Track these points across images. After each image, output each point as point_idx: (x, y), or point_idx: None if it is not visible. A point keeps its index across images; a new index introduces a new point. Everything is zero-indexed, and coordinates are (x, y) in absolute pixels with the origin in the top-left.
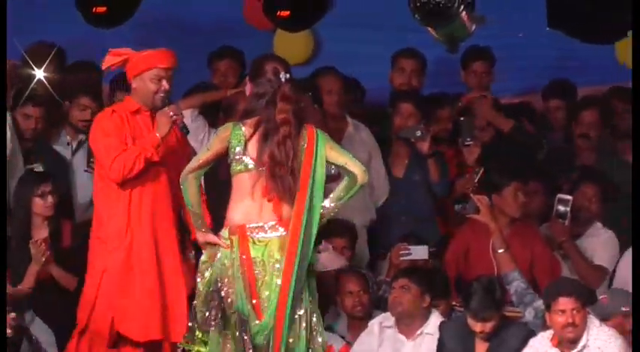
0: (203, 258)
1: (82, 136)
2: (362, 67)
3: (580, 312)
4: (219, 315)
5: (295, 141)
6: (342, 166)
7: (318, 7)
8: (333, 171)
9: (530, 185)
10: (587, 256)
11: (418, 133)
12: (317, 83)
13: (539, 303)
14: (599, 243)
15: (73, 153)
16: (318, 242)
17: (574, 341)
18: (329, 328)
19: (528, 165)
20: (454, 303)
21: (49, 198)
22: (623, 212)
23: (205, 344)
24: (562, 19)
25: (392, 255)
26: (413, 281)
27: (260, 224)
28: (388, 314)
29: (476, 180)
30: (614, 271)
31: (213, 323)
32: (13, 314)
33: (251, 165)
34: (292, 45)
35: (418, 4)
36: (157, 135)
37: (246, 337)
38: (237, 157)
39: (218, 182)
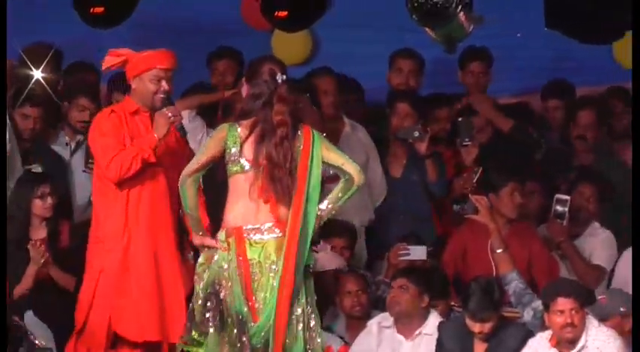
0: (200, 260)
1: (80, 137)
2: (360, 67)
3: (578, 313)
4: (218, 317)
5: (292, 142)
6: (339, 167)
7: (316, 8)
8: (331, 172)
9: (528, 185)
10: (586, 256)
11: (416, 134)
12: (313, 84)
13: (538, 304)
14: (598, 243)
15: (72, 153)
16: (317, 242)
17: (572, 342)
18: (327, 328)
19: (526, 166)
20: (453, 304)
21: (49, 199)
22: (620, 212)
23: (201, 345)
24: (560, 19)
25: (390, 255)
26: (411, 281)
27: (257, 225)
28: (387, 314)
29: (474, 181)
30: (612, 271)
31: (210, 324)
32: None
33: (247, 167)
34: (290, 45)
35: (416, 5)
36: (155, 136)
37: (244, 339)
38: (233, 158)
39: (216, 183)
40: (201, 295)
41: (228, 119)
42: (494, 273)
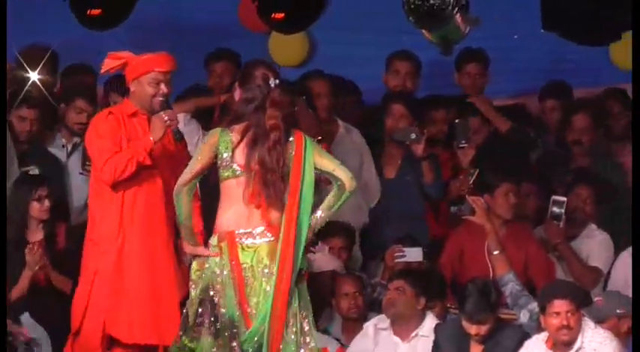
0: (194, 266)
1: (77, 139)
2: (357, 68)
3: (575, 315)
4: (212, 322)
5: (284, 147)
6: (330, 173)
7: (312, 10)
8: None
9: (525, 187)
10: (582, 258)
11: (413, 136)
12: (307, 87)
13: (534, 305)
14: (594, 245)
15: (68, 155)
16: (315, 243)
17: (569, 344)
18: (324, 330)
19: (522, 167)
20: (449, 305)
21: (46, 202)
22: (617, 213)
23: (192, 350)
24: (557, 21)
25: (386, 257)
26: (408, 283)
27: (249, 230)
28: (383, 316)
29: (471, 182)
30: (608, 273)
31: (205, 330)
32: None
33: (239, 172)
34: (287, 47)
35: (412, 6)
36: (151, 139)
37: (234, 344)
38: (225, 164)
39: (209, 187)
40: (195, 301)
41: (224, 123)
42: (490, 275)
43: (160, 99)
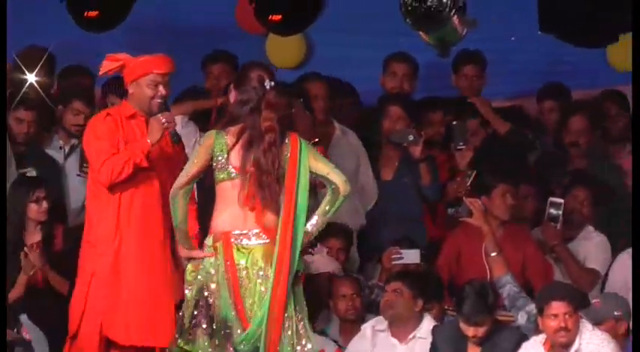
0: (189, 267)
1: (74, 141)
2: (354, 70)
3: (572, 316)
4: (208, 323)
5: (279, 149)
6: (324, 177)
7: (309, 11)
8: None
9: (522, 188)
10: (580, 260)
11: (410, 138)
12: (303, 89)
13: (532, 307)
14: (592, 247)
15: (66, 157)
16: (314, 245)
17: (566, 346)
18: (321, 332)
19: (520, 168)
20: (447, 307)
21: (44, 203)
22: (615, 215)
23: None
24: (554, 23)
25: (384, 258)
26: (406, 285)
27: (245, 231)
28: (381, 317)
29: (468, 184)
30: (606, 275)
31: (199, 332)
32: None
33: (234, 174)
34: (284, 49)
35: (409, 8)
36: (148, 141)
37: (228, 345)
38: (221, 166)
39: (205, 189)
40: (191, 302)
41: (219, 125)
42: (488, 277)
43: (159, 101)
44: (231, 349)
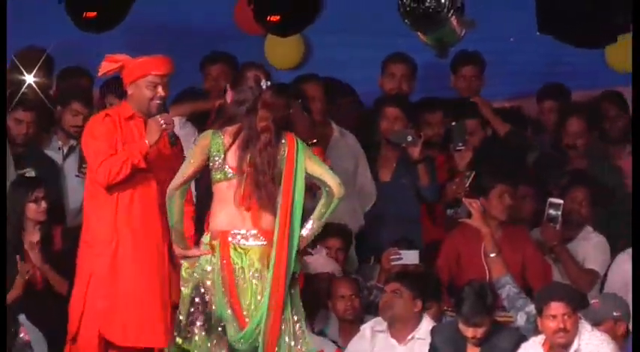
0: (184, 264)
1: (73, 141)
2: (352, 71)
3: (571, 317)
4: (205, 320)
5: (275, 149)
6: (319, 178)
7: (308, 12)
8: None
9: (521, 189)
10: (579, 260)
11: (409, 138)
12: (301, 90)
13: (531, 308)
14: (591, 247)
15: (64, 158)
16: (313, 245)
17: (565, 346)
18: (320, 332)
19: (519, 169)
20: (446, 308)
21: (42, 203)
22: (614, 217)
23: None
24: (552, 24)
25: (383, 259)
26: (405, 285)
27: (242, 231)
28: (380, 318)
29: (467, 185)
30: (605, 275)
31: (196, 329)
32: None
33: (231, 174)
34: (283, 50)
35: (408, 9)
36: (146, 142)
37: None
38: (217, 166)
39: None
40: (187, 299)
41: (215, 125)
42: (487, 277)
43: (158, 102)
44: (226, 348)
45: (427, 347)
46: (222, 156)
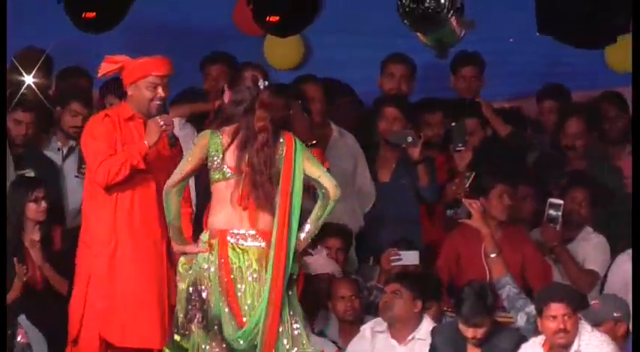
0: (182, 259)
1: (72, 142)
2: (352, 72)
3: (571, 318)
4: (202, 317)
5: (273, 148)
6: (315, 180)
7: (307, 13)
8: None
9: (521, 190)
10: (579, 261)
11: (409, 139)
12: (300, 91)
13: (531, 308)
14: (591, 248)
15: (64, 158)
16: (313, 246)
17: (565, 347)
18: (320, 333)
19: (518, 169)
20: (445, 308)
21: (42, 203)
22: (614, 217)
23: (183, 349)
24: (552, 24)
25: (382, 260)
26: (405, 286)
27: (241, 231)
28: (380, 319)
29: (467, 185)
30: (605, 276)
31: (194, 326)
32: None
33: (229, 174)
34: (282, 50)
35: (407, 10)
36: (145, 143)
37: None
38: (216, 166)
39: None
40: (184, 296)
41: (214, 125)
42: (487, 278)
43: (157, 103)
44: (224, 344)
45: (427, 348)
46: (221, 156)
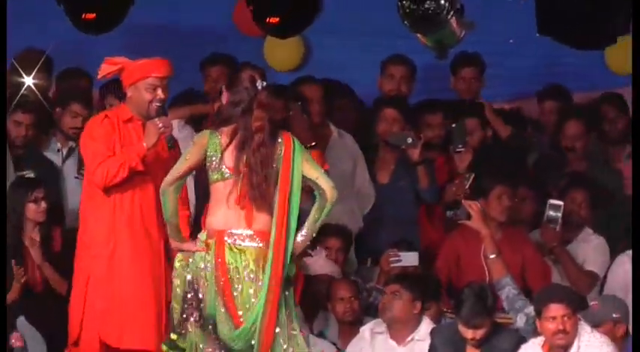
0: (179, 255)
1: (72, 143)
2: (352, 73)
3: (571, 319)
4: (199, 315)
5: (271, 148)
6: (313, 181)
7: (307, 14)
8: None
9: (520, 191)
10: (578, 262)
11: (409, 140)
12: (299, 92)
13: (531, 309)
14: (590, 249)
15: (64, 160)
16: (312, 247)
17: (565, 348)
18: (320, 334)
19: (518, 171)
20: (445, 309)
21: (42, 204)
22: (614, 219)
23: (180, 349)
24: (552, 26)
25: (382, 261)
26: (404, 287)
27: (239, 231)
28: (379, 320)
29: (467, 186)
30: (605, 277)
31: (189, 325)
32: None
33: (227, 175)
34: (282, 51)
35: (407, 11)
36: (144, 145)
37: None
38: (214, 166)
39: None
40: (180, 294)
41: (213, 125)
42: (487, 279)
43: (157, 104)
44: (218, 344)
45: (427, 349)
46: (219, 156)
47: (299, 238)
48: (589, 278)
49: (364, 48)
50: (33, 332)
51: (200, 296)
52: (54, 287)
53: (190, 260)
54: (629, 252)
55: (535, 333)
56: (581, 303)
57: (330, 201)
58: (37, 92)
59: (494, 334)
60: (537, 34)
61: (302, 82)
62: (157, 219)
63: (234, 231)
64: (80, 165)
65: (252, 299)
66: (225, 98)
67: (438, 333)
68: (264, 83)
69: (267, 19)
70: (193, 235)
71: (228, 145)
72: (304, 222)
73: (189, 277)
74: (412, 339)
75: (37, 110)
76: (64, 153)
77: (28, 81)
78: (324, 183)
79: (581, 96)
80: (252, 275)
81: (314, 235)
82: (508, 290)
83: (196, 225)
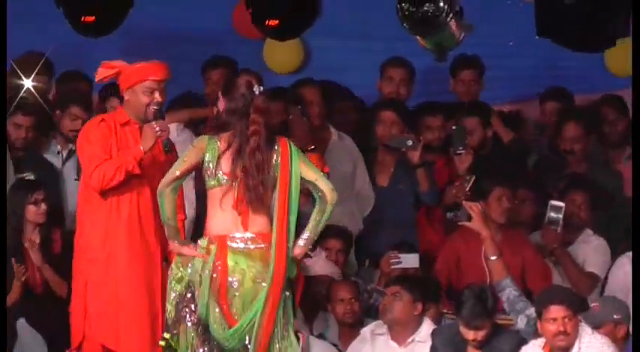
0: (177, 258)
1: (72, 146)
2: (351, 75)
3: (571, 320)
4: (194, 317)
5: (267, 153)
6: (312, 183)
7: (306, 16)
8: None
9: (520, 193)
10: (579, 263)
11: (409, 143)
12: (298, 94)
13: (532, 311)
14: (590, 250)
15: (64, 162)
16: (313, 248)
17: (565, 349)
18: (320, 335)
19: (518, 172)
20: (444, 311)
21: (42, 206)
22: (614, 220)
23: (172, 349)
24: (551, 28)
25: (382, 263)
26: (405, 288)
27: (239, 235)
28: (380, 321)
29: (467, 188)
30: (605, 278)
31: (184, 326)
32: None
33: (224, 181)
34: (282, 54)
35: (407, 13)
36: (141, 148)
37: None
38: (211, 172)
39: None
40: (176, 296)
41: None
42: (487, 280)
43: (154, 107)
44: (209, 344)
45: (427, 350)
46: (216, 161)
47: (301, 242)
48: (590, 279)
49: (364, 50)
50: (34, 334)
51: (195, 297)
52: (54, 289)
53: (190, 264)
54: (630, 254)
55: (536, 335)
56: (582, 305)
57: (331, 203)
58: (36, 95)
59: (494, 335)
60: (537, 36)
61: (301, 85)
62: (153, 222)
63: (234, 235)
64: (80, 167)
65: (251, 300)
66: (222, 105)
67: (438, 334)
68: (261, 88)
69: (267, 22)
70: (194, 239)
71: (225, 151)
72: (304, 226)
73: (186, 279)
74: (413, 340)
75: (37, 112)
76: (64, 155)
77: (28, 83)
78: (324, 185)
79: (581, 99)
80: (252, 277)
81: (316, 238)
82: (509, 292)
83: (197, 228)
